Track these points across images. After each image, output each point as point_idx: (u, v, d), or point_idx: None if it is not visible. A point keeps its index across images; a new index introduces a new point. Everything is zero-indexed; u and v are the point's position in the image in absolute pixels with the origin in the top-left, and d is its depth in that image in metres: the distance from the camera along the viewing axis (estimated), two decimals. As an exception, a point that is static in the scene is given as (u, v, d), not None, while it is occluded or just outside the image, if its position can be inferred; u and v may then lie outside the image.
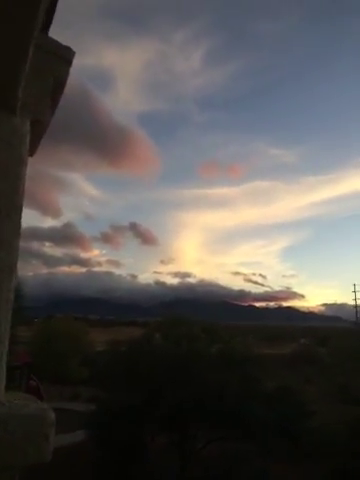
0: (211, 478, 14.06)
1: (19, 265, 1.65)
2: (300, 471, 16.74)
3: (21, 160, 1.72)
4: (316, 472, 16.48)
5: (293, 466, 17.14)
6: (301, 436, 14.61)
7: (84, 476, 15.13)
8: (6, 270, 1.59)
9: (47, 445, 1.41)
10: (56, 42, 1.94)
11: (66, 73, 1.97)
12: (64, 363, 37.46)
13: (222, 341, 19.15)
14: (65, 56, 1.96)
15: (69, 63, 1.98)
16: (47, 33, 1.96)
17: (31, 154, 2.29)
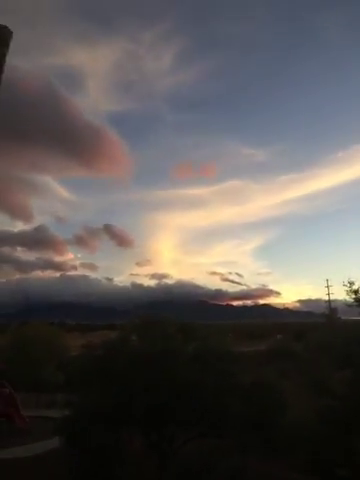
0: (191, 476, 14.09)
1: None
2: (278, 463, 17.02)
3: None
4: (293, 465, 16.79)
5: (271, 460, 17.40)
6: (277, 430, 14.82)
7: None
8: None
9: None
10: (-10, 21, 1.86)
11: (3, 53, 1.90)
12: (39, 370, 36.79)
13: (198, 340, 19.20)
14: (1, 36, 1.89)
15: (6, 43, 1.90)
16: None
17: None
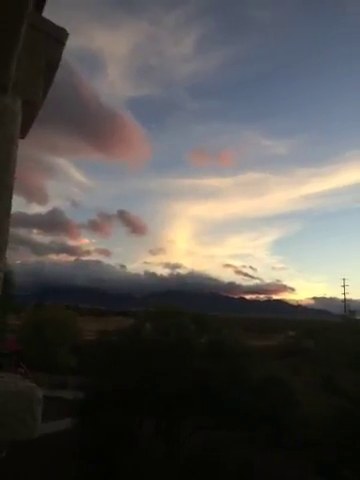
0: (197, 465, 14.28)
1: (7, 252, 1.64)
2: (285, 459, 17.09)
3: (12, 140, 1.71)
4: (300, 461, 16.85)
5: (278, 454, 17.50)
6: (287, 425, 14.88)
7: (71, 462, 15.24)
8: (-5, 250, 1.58)
9: (34, 422, 1.44)
10: (50, 22, 1.92)
11: (59, 54, 1.96)
12: (53, 351, 37.49)
13: (211, 332, 19.31)
14: (58, 37, 1.95)
15: (62, 44, 1.96)
16: (41, 13, 1.94)
17: (23, 136, 2.28)
